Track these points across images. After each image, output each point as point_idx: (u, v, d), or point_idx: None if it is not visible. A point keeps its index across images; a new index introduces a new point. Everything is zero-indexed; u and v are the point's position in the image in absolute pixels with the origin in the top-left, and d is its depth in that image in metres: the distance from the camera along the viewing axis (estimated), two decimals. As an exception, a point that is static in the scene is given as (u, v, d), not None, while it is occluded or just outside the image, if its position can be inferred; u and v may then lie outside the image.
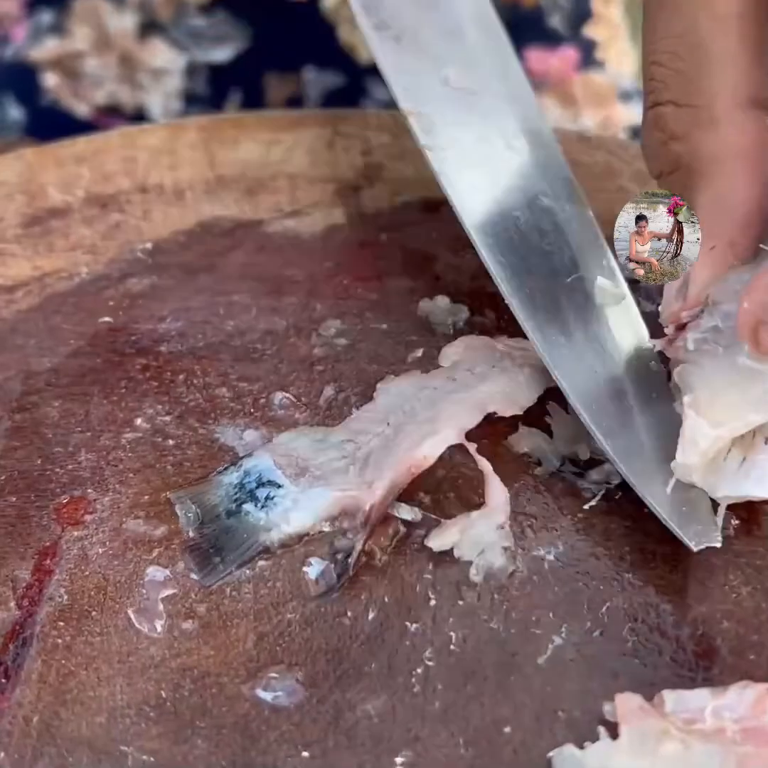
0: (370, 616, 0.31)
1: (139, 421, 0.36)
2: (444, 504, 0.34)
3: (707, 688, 0.28)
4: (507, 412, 0.35)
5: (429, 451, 0.33)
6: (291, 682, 0.29)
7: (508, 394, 0.36)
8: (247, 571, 0.32)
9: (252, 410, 0.36)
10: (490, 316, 0.40)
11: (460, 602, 0.31)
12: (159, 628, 0.31)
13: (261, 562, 0.32)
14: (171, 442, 0.35)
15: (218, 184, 0.46)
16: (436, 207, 0.45)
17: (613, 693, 0.29)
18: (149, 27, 0.73)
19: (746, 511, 0.33)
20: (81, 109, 0.73)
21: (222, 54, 0.83)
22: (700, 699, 0.28)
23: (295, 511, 0.33)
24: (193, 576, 0.32)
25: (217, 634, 0.31)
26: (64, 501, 0.34)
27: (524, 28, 0.74)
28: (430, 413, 0.35)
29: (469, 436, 0.34)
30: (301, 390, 0.37)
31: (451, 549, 0.32)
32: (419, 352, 0.39)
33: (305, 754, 0.28)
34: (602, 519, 0.33)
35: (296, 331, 0.39)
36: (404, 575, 0.32)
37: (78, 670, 0.30)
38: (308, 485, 0.33)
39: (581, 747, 0.28)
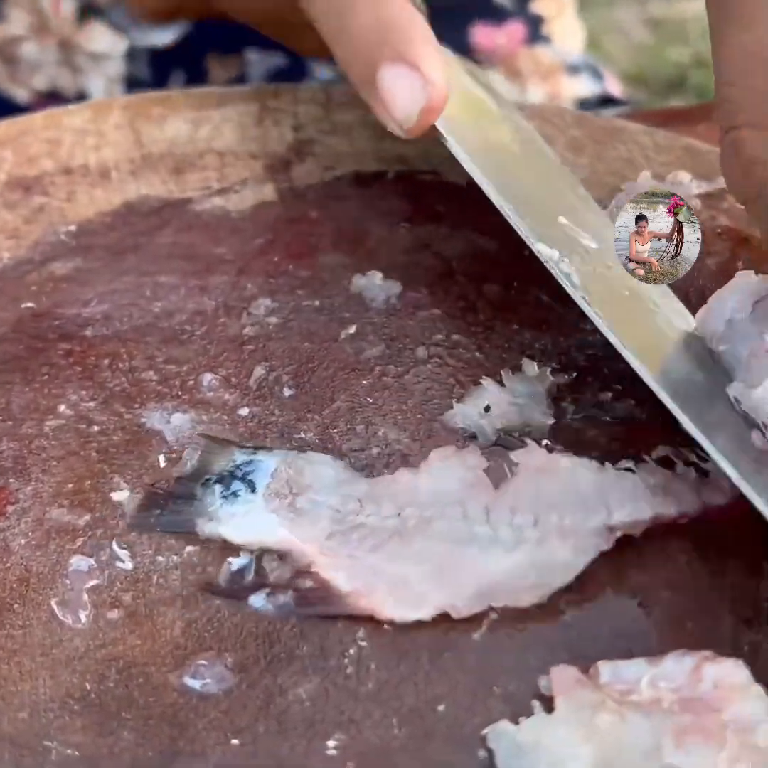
0: (302, 597, 0.30)
1: (62, 407, 0.35)
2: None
3: (644, 659, 0.28)
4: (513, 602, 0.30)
5: (408, 613, 0.30)
6: (220, 669, 0.29)
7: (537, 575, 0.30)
8: (175, 558, 0.31)
9: (180, 393, 0.35)
10: (424, 291, 0.39)
11: (394, 580, 0.31)
12: (83, 619, 0.30)
13: (189, 548, 0.31)
14: (95, 428, 0.34)
15: (145, 164, 0.45)
16: (368, 181, 0.44)
17: (550, 667, 0.28)
18: (88, 11, 0.72)
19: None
20: (20, 94, 0.71)
21: (163, 37, 0.82)
22: (636, 669, 0.28)
23: (239, 520, 0.31)
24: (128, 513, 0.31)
25: (143, 623, 0.30)
26: (-15, 492, 0.33)
27: (471, 5, 0.73)
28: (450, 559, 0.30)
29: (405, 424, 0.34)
30: (230, 371, 0.36)
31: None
32: (352, 329, 0.38)
33: (235, 741, 0.27)
34: (538, 491, 0.33)
35: (226, 311, 0.38)
36: (336, 555, 0.31)
37: (-1, 665, 0.29)
38: (274, 507, 0.31)
39: (516, 722, 0.27)
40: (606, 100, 0.76)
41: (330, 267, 0.40)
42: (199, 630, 0.29)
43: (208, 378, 0.36)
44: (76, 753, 0.27)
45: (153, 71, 0.76)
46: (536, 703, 0.27)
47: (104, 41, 0.81)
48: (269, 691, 0.28)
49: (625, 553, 0.31)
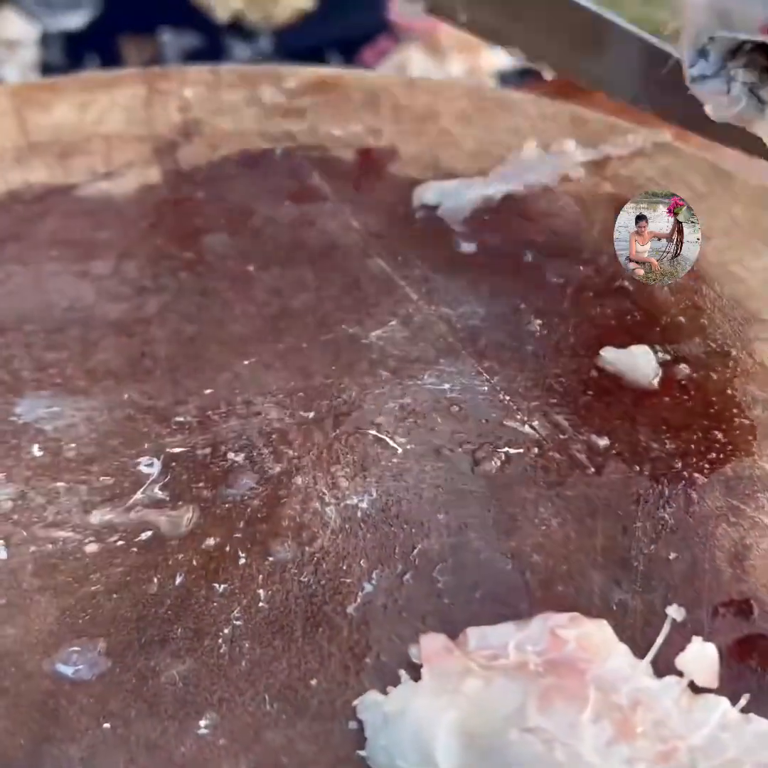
0: (178, 580, 0.30)
1: (-62, 400, 0.35)
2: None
3: (512, 623, 0.28)
4: None
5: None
6: (93, 655, 0.29)
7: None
8: (50, 546, 0.31)
9: (58, 381, 0.35)
10: (308, 269, 0.39)
11: (270, 558, 0.31)
12: (-44, 612, 0.30)
13: (63, 534, 0.31)
14: (-29, 419, 0.34)
15: (30, 151, 0.44)
16: (255, 160, 0.44)
17: (421, 635, 0.28)
18: (-1, -2, 0.71)
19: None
20: (-69, 85, 0.70)
21: (74, 20, 0.81)
22: (503, 634, 0.28)
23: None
24: None
25: (17, 614, 0.30)
26: None
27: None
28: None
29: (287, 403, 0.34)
30: (109, 356, 0.36)
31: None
32: (236, 310, 0.38)
33: (106, 725, 0.27)
34: (416, 463, 0.33)
35: (108, 297, 0.38)
36: (213, 535, 0.31)
37: None
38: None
39: (385, 692, 0.27)
40: (525, 72, 0.76)
41: (214, 248, 0.40)
42: (74, 617, 0.29)
43: (88, 364, 0.36)
44: (-54, 745, 0.27)
45: (67, 56, 0.75)
46: (403, 673, 0.28)
47: (17, 28, 0.80)
48: (142, 674, 0.28)
49: (500, 520, 0.31)
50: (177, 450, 0.33)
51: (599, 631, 0.28)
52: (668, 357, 0.36)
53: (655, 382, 0.35)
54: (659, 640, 0.28)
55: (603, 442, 0.33)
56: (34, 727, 0.27)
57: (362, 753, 0.27)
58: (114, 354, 0.36)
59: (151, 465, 0.33)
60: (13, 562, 0.31)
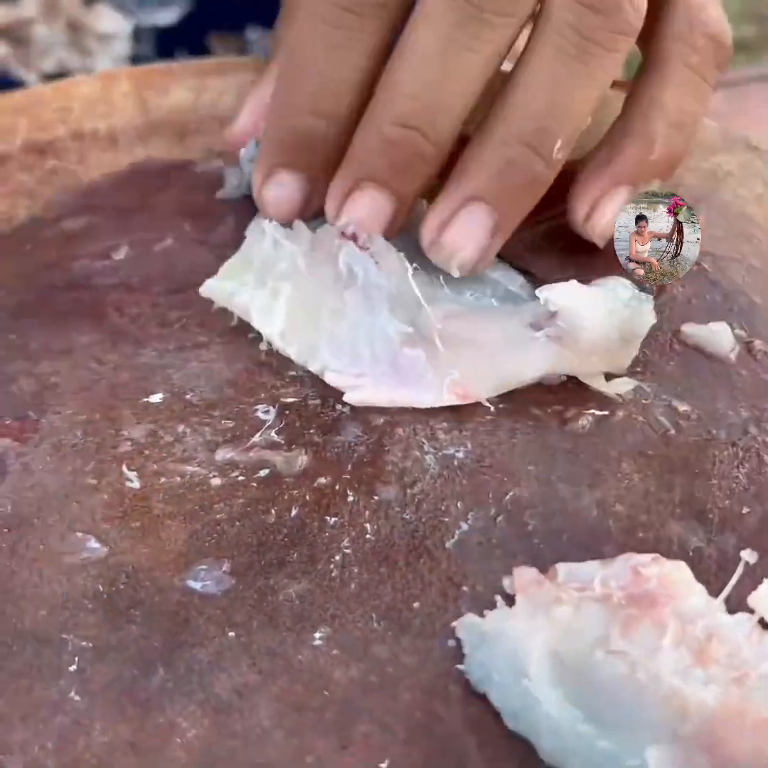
0: (293, 512, 0.33)
1: (73, 349, 0.38)
2: (362, 412, 0.36)
3: (596, 561, 0.31)
4: None
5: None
6: (219, 573, 0.32)
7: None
8: (178, 479, 0.34)
9: (180, 334, 0.39)
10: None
11: (376, 497, 0.34)
12: (95, 533, 0.33)
13: (190, 468, 0.34)
14: (104, 367, 0.38)
15: (150, 130, 0.48)
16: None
17: (513, 569, 0.31)
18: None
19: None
20: (30, 77, 0.74)
21: (167, 16, 0.85)
22: (590, 570, 0.31)
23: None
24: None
25: (149, 536, 0.33)
26: (7, 422, 0.36)
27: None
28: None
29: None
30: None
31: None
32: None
33: (231, 634, 0.31)
34: (508, 420, 0.36)
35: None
36: (324, 475, 0.34)
37: (21, 570, 0.32)
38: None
39: (482, 616, 0.30)
40: None
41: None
42: (201, 541, 0.33)
43: (208, 322, 0.39)
44: (90, 644, 0.30)
45: (157, 51, 0.79)
46: (499, 599, 0.30)
47: (111, 22, 0.84)
48: (262, 591, 0.31)
49: (585, 474, 0.34)
50: (290, 400, 0.37)
51: (678, 571, 0.31)
52: (744, 334, 0.38)
53: (733, 355, 0.38)
54: (733, 579, 0.30)
55: (683, 407, 0.36)
56: (168, 634, 0.31)
57: (461, 667, 0.30)
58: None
59: (267, 412, 0.36)
60: (145, 490, 0.34)
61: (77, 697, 0.29)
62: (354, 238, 0.36)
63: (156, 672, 0.30)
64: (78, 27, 0.75)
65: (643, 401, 0.36)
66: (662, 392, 0.36)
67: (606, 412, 0.36)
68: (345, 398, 0.36)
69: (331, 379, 0.36)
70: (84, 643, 0.30)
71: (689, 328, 0.38)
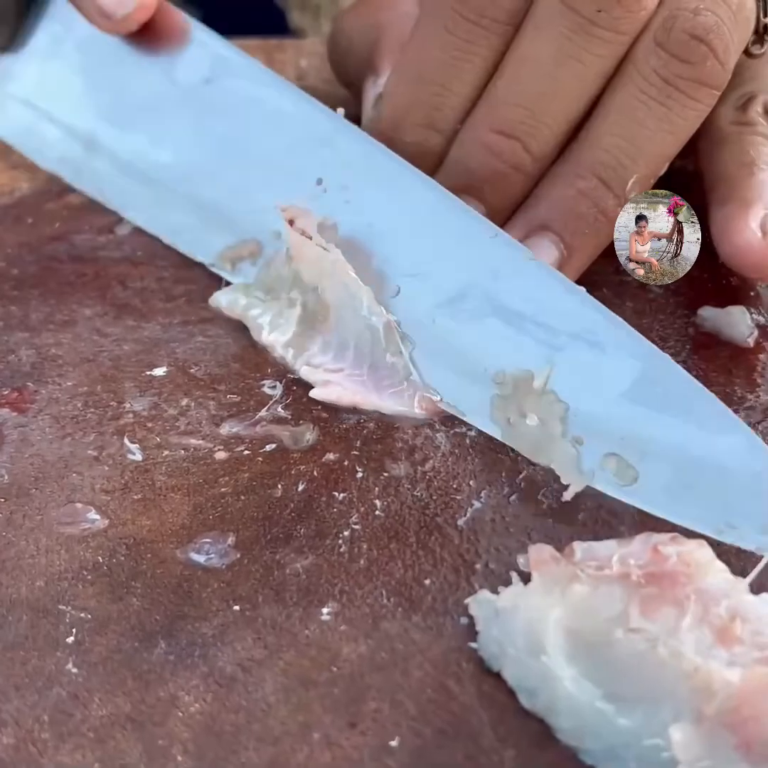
0: (300, 487, 0.32)
1: (76, 320, 0.37)
2: (371, 389, 0.35)
3: (614, 540, 0.30)
4: None
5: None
6: (224, 546, 0.31)
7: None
8: (182, 452, 0.33)
9: (186, 309, 0.38)
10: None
11: (385, 473, 0.33)
12: (95, 504, 0.32)
13: (194, 442, 0.34)
14: (107, 339, 0.37)
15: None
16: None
17: (528, 546, 0.30)
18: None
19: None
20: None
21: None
22: (607, 548, 0.30)
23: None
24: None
25: (152, 508, 0.32)
26: (5, 392, 0.35)
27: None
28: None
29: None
30: (235, 291, 0.39)
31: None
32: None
33: (236, 607, 0.29)
34: (521, 399, 0.35)
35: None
36: (332, 451, 0.33)
37: (18, 541, 0.31)
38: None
39: (496, 593, 0.29)
40: None
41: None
42: (205, 513, 0.32)
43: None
44: (89, 616, 0.29)
45: None
46: (514, 575, 0.29)
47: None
48: (268, 565, 0.30)
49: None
50: (297, 376, 0.36)
51: (699, 550, 0.30)
52: (762, 319, 0.38)
53: (750, 340, 0.37)
54: (763, 562, 0.29)
55: (700, 390, 0.35)
56: (170, 607, 0.29)
57: (473, 645, 0.29)
58: (240, 288, 0.39)
59: (274, 387, 0.35)
60: (147, 463, 0.33)
61: (75, 669, 0.28)
62: None
63: (157, 644, 0.29)
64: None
65: (660, 383, 0.35)
66: (679, 374, 0.36)
67: (621, 393, 0.35)
68: (311, 394, 0.35)
69: (304, 372, 0.35)
70: (82, 614, 0.29)
71: (706, 312, 0.38)
